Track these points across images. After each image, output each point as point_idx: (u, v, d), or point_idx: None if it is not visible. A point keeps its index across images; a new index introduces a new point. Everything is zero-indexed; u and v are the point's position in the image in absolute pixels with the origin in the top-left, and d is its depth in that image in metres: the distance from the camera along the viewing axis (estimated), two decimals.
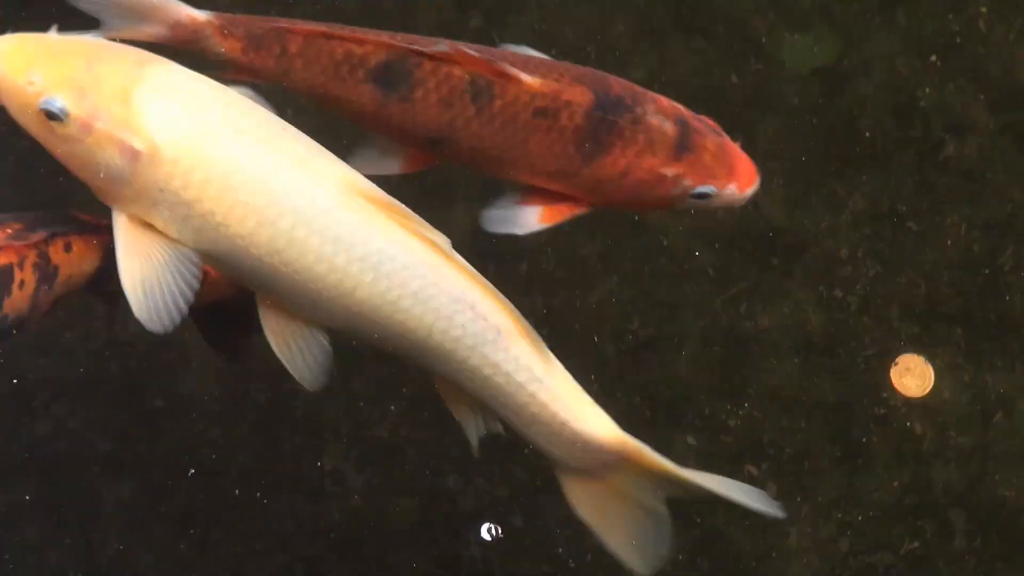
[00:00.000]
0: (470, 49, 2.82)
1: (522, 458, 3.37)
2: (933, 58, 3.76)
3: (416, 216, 2.66)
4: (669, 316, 3.50)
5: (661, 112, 2.79)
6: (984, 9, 3.67)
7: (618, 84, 2.84)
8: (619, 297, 3.58)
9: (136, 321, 3.01)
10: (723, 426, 3.45)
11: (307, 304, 2.72)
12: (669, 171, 2.78)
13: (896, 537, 3.37)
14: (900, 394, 3.46)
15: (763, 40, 3.75)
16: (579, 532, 3.22)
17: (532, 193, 2.95)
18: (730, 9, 3.76)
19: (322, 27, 2.89)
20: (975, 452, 3.38)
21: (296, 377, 2.80)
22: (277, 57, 2.87)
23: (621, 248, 3.60)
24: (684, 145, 2.78)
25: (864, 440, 3.44)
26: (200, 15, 2.87)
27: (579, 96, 2.77)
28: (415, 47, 2.84)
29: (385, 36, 2.88)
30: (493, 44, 3.40)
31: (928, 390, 3.47)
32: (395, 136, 2.95)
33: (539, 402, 2.70)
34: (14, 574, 3.48)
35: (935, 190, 3.36)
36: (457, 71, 2.80)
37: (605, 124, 2.78)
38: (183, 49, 2.92)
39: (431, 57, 2.84)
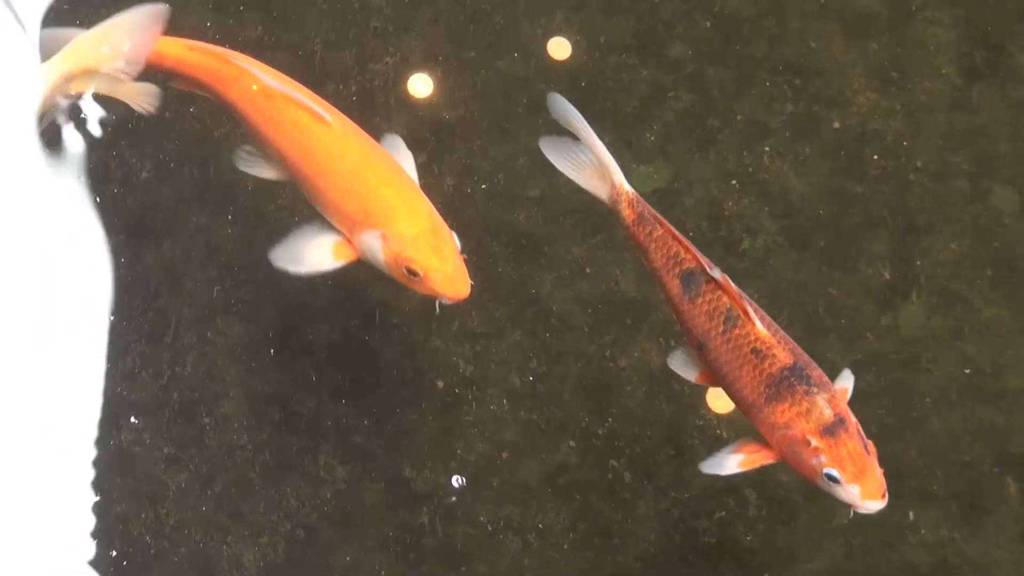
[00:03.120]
0: (733, 285, 2.99)
1: (456, 456, 3.54)
2: (734, 182, 3.83)
3: None
4: (558, 359, 3.64)
5: (830, 402, 2.88)
6: (767, 149, 3.85)
7: (817, 371, 2.94)
8: (522, 346, 3.63)
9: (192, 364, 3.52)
10: (594, 434, 3.59)
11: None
12: (813, 440, 2.85)
13: (710, 508, 3.53)
14: (713, 411, 3.61)
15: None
16: (497, 505, 3.51)
17: (740, 447, 3.01)
18: None
19: (676, 232, 3.08)
20: None
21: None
22: (646, 235, 3.11)
23: (523, 312, 3.64)
24: (832, 431, 2.84)
25: (689, 443, 3.59)
26: (627, 186, 3.15)
27: (783, 356, 2.91)
28: (706, 266, 3.01)
29: (701, 255, 3.04)
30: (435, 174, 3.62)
31: (732, 408, 3.42)
32: (684, 331, 3.10)
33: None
34: (106, 539, 3.41)
35: (736, 272, 3.50)
36: (725, 298, 2.98)
37: (788, 383, 2.89)
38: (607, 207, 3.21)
39: (712, 279, 2.99)
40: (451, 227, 3.61)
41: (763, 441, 2.99)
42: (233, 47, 3.72)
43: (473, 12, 3.98)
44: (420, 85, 3.90)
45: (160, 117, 3.69)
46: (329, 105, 3.20)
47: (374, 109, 3.83)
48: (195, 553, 3.44)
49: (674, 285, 3.06)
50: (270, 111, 3.17)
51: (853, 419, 2.88)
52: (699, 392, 3.62)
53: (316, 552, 3.47)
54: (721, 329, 2.98)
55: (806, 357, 2.95)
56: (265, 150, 3.23)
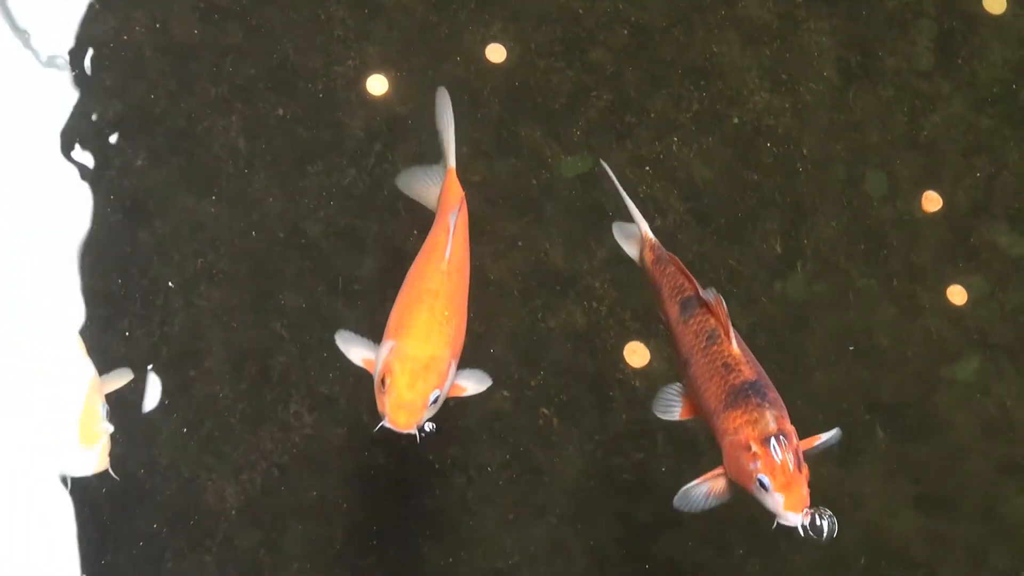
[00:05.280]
0: (723, 305, 2.91)
1: None
2: (648, 168, 3.85)
3: None
4: (494, 321, 3.65)
5: (778, 419, 2.78)
6: (676, 140, 3.90)
7: (774, 393, 2.86)
8: None
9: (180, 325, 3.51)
10: (526, 385, 3.61)
11: None
12: (753, 446, 2.75)
13: (627, 449, 3.57)
14: (630, 366, 3.64)
15: (549, 159, 3.83)
16: (443, 447, 3.51)
17: (702, 479, 2.89)
18: (530, 140, 3.83)
19: (682, 266, 3.04)
20: None
21: None
22: (660, 271, 3.10)
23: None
24: (772, 443, 2.74)
25: (610, 393, 3.62)
26: (651, 235, 3.14)
27: (748, 372, 2.84)
28: (698, 290, 2.96)
29: (696, 283, 2.99)
30: None
31: (646, 363, 3.64)
32: (675, 351, 3.05)
33: None
34: (105, 476, 3.03)
35: None
36: (712, 319, 2.93)
37: (745, 394, 2.81)
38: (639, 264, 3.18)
39: (705, 304, 2.94)
40: (402, 209, 3.69)
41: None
42: (217, 51, 3.87)
43: (422, 22, 4.01)
44: (377, 84, 3.89)
45: (151, 114, 3.78)
46: (465, 262, 3.07)
47: (337, 105, 3.83)
48: (184, 488, 3.42)
49: (674, 310, 3.03)
50: (431, 243, 3.05)
51: (795, 440, 2.79)
52: (618, 349, 3.65)
53: (288, 487, 3.46)
54: (703, 345, 2.93)
55: (768, 381, 2.90)
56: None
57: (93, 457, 2.81)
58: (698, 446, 3.55)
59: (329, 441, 3.53)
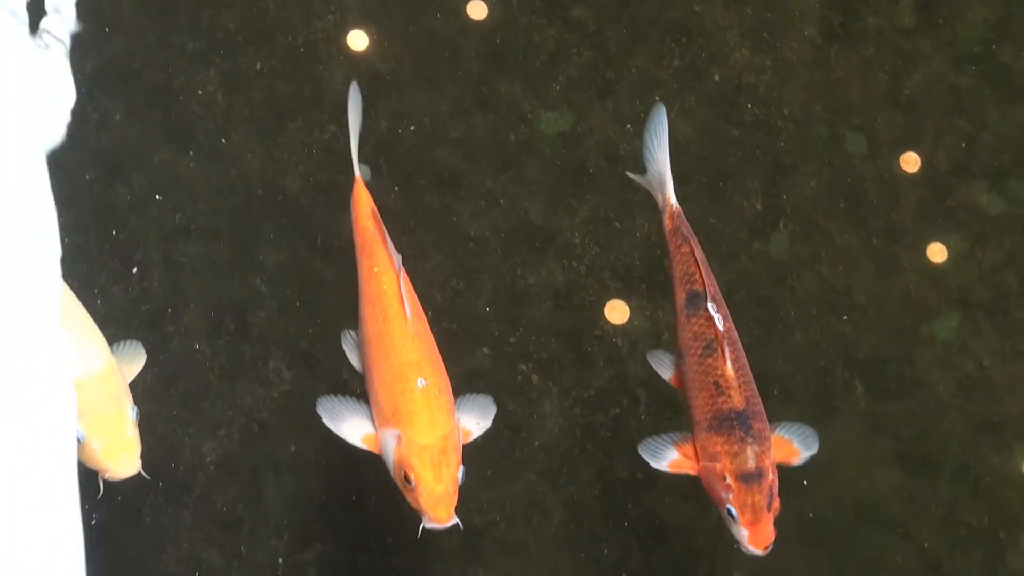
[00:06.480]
0: (721, 321, 2.91)
1: None
2: (629, 126, 3.82)
3: None
4: (475, 277, 3.66)
5: (758, 455, 2.79)
6: (657, 98, 3.82)
7: (760, 424, 2.86)
8: (444, 266, 3.64)
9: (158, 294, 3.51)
10: (506, 342, 3.62)
11: None
12: (729, 479, 2.77)
13: (606, 406, 3.57)
14: (610, 323, 3.65)
15: (529, 115, 3.82)
16: None
17: (680, 446, 2.92)
18: (510, 97, 3.83)
19: (699, 255, 3.00)
20: None
21: None
22: (676, 247, 3.07)
23: (445, 238, 3.67)
24: (747, 480, 2.76)
25: (589, 349, 3.63)
26: (674, 201, 3.12)
27: (737, 399, 2.85)
28: (713, 290, 2.96)
29: (712, 284, 2.97)
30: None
31: (626, 320, 3.64)
32: (676, 335, 3.03)
33: None
34: None
35: (629, 203, 3.68)
36: (713, 329, 2.91)
37: (730, 423, 2.82)
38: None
39: (706, 305, 2.92)
40: (383, 165, 3.68)
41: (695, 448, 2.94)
42: (195, 5, 3.83)
43: None
44: (357, 39, 3.88)
45: (129, 68, 3.77)
46: (419, 309, 3.00)
47: (318, 60, 3.82)
48: (161, 443, 3.41)
49: (681, 297, 3.02)
50: (376, 291, 2.99)
51: (771, 476, 2.81)
52: (598, 306, 3.67)
53: (266, 443, 3.47)
54: (700, 352, 2.93)
55: (758, 407, 2.90)
56: (359, 329, 3.05)
57: (127, 462, 2.81)
58: (677, 402, 3.47)
59: (309, 397, 3.35)
